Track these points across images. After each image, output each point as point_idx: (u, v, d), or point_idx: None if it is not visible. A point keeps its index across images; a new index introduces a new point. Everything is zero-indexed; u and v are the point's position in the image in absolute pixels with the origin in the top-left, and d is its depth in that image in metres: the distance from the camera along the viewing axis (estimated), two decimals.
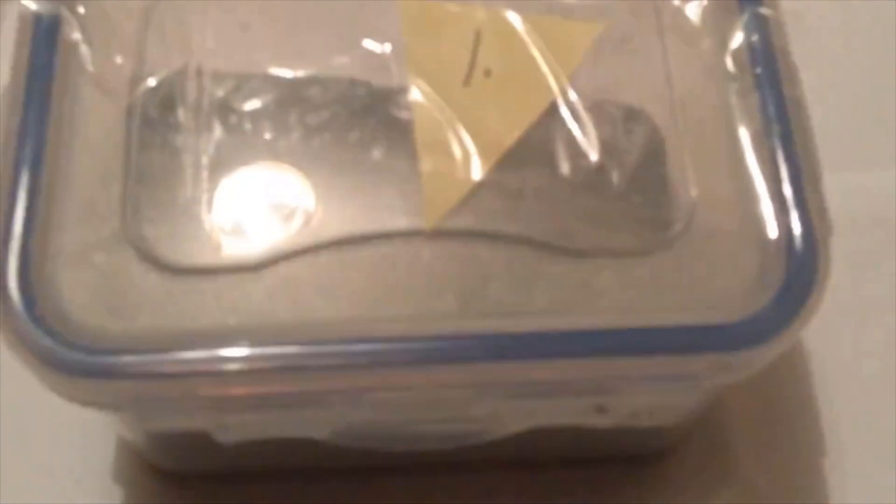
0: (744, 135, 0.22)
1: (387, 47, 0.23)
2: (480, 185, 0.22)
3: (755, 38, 0.23)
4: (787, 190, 0.21)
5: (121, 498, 0.26)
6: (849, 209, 0.29)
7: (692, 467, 0.27)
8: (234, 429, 0.21)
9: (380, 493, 0.26)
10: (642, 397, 0.21)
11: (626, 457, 0.26)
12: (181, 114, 0.23)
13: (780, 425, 0.27)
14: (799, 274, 0.20)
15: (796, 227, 0.21)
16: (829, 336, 0.28)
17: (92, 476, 0.26)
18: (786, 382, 0.28)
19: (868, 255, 0.29)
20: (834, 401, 0.28)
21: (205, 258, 0.21)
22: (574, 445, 0.25)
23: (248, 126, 0.23)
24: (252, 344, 0.20)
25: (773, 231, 0.21)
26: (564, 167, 0.22)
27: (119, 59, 0.23)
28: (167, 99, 0.23)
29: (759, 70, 0.22)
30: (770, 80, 0.22)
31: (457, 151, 0.22)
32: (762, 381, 0.28)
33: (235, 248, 0.22)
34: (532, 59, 0.23)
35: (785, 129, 0.22)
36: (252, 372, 0.20)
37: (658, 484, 0.27)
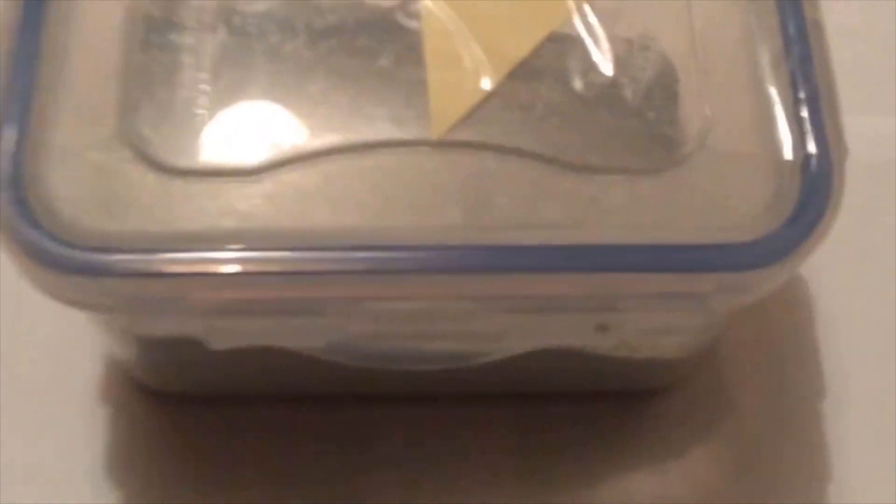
0: (762, 55, 0.21)
1: None
2: (490, 98, 0.21)
3: None
4: (804, 111, 0.21)
5: (107, 418, 0.26)
6: (858, 153, 0.30)
7: (690, 406, 0.26)
8: (228, 333, 0.20)
9: (374, 422, 0.26)
10: (648, 317, 0.20)
11: (625, 393, 0.26)
12: (184, 13, 0.22)
13: (779, 367, 0.27)
14: (813, 196, 0.20)
15: (812, 149, 0.20)
16: (832, 280, 0.28)
17: (78, 396, 0.26)
18: (788, 326, 0.28)
19: (876, 201, 0.29)
20: (836, 346, 0.27)
21: (203, 160, 0.21)
22: (572, 378, 0.25)
23: (252, 28, 0.22)
24: (248, 247, 0.20)
25: (788, 152, 0.21)
26: (577, 83, 0.22)
27: None
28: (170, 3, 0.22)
29: None
30: (791, 1, 0.22)
31: (467, 62, 0.22)
32: (763, 324, 0.28)
33: (236, 152, 0.21)
34: None
35: (804, 50, 0.21)
36: (247, 275, 0.20)
37: (654, 422, 0.26)
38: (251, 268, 0.20)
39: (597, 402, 0.26)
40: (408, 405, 0.26)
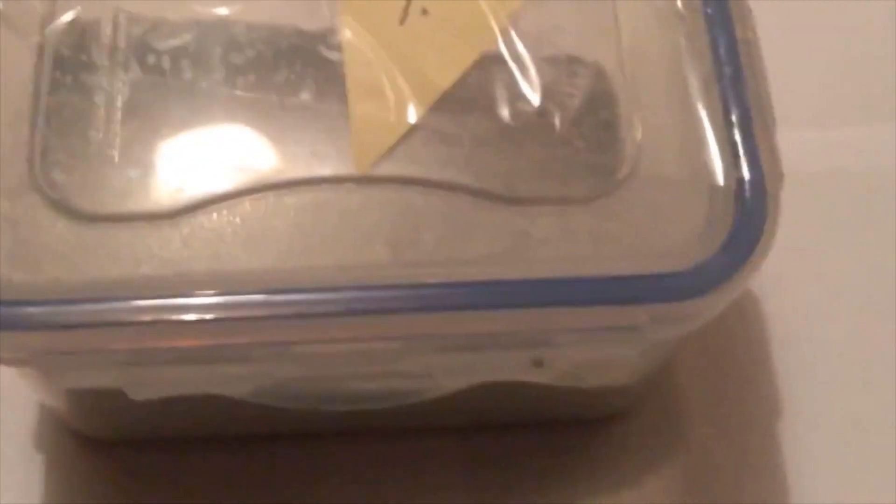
0: (693, 78, 0.21)
1: None
2: (415, 130, 0.21)
3: None
4: (737, 135, 0.20)
5: (43, 465, 0.25)
6: (810, 164, 0.30)
7: (644, 432, 0.26)
8: (149, 385, 0.20)
9: (317, 461, 0.25)
10: (584, 350, 0.20)
11: (577, 421, 0.26)
12: (95, 53, 0.21)
13: (735, 389, 0.27)
14: (747, 223, 0.19)
15: (745, 174, 0.20)
16: (786, 298, 0.27)
17: (13, 443, 0.25)
18: (740, 345, 0.27)
19: (827, 212, 0.28)
20: (790, 365, 0.27)
21: (117, 205, 0.20)
22: (521, 409, 0.24)
23: (166, 66, 0.21)
24: (165, 295, 0.19)
25: (721, 178, 0.20)
26: (504, 111, 0.21)
27: None
28: (81, 37, 0.21)
29: (709, 10, 0.21)
30: (721, 21, 0.21)
31: (390, 94, 0.21)
32: (717, 344, 0.28)
33: (151, 195, 0.20)
34: None
35: (736, 72, 0.21)
36: (165, 323, 0.19)
37: (608, 449, 0.26)
38: (169, 316, 0.19)
39: (548, 432, 0.26)
40: (353, 442, 0.25)
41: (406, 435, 0.25)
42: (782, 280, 0.27)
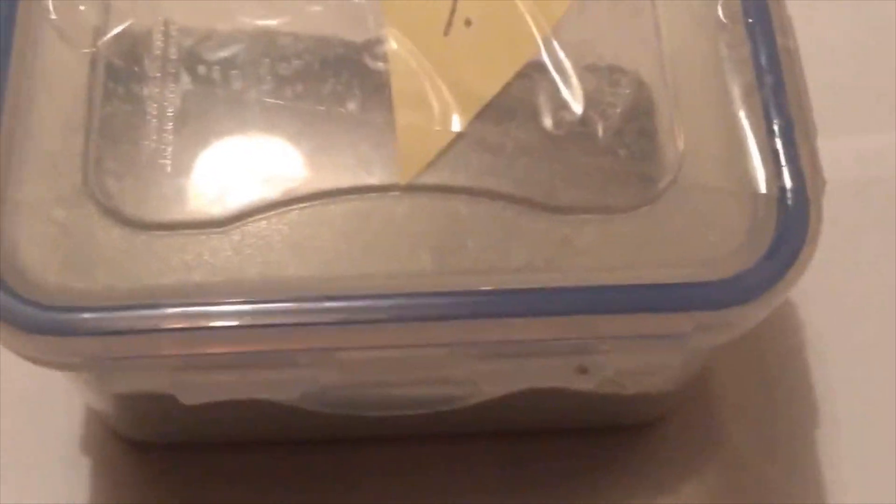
0: (734, 87, 0.21)
1: None
2: (459, 139, 0.21)
3: None
4: (779, 144, 0.20)
5: (89, 469, 0.26)
6: (846, 172, 0.30)
7: (681, 439, 0.26)
8: (199, 390, 0.20)
9: (356, 465, 0.25)
10: (627, 358, 0.20)
11: (613, 427, 0.26)
12: (147, 64, 0.22)
13: (772, 396, 0.27)
14: (789, 231, 0.20)
15: (787, 183, 0.20)
16: (824, 305, 0.27)
17: (60, 447, 0.25)
18: (778, 353, 0.27)
19: (865, 220, 0.28)
20: (828, 372, 0.27)
21: (169, 213, 0.20)
22: (559, 414, 0.24)
23: (216, 76, 0.22)
24: (217, 301, 0.19)
25: (763, 186, 0.20)
26: (547, 121, 0.21)
27: (83, 7, 0.22)
28: (132, 48, 0.22)
29: (750, 19, 0.21)
30: (762, 29, 0.21)
31: (435, 104, 0.21)
32: (754, 351, 0.28)
33: (202, 204, 0.21)
34: (515, 9, 0.22)
35: (777, 80, 0.21)
36: (217, 330, 0.19)
37: (645, 456, 0.26)
38: (220, 322, 0.19)
39: (586, 437, 0.26)
40: (391, 446, 0.26)
41: (443, 439, 0.26)
42: (820, 287, 0.27)
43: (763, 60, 0.21)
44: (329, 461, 0.25)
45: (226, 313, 0.19)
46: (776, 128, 0.20)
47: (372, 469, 0.25)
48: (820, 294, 0.27)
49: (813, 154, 0.20)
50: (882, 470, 0.26)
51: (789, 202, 0.20)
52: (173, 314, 0.19)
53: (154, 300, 0.19)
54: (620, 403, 0.24)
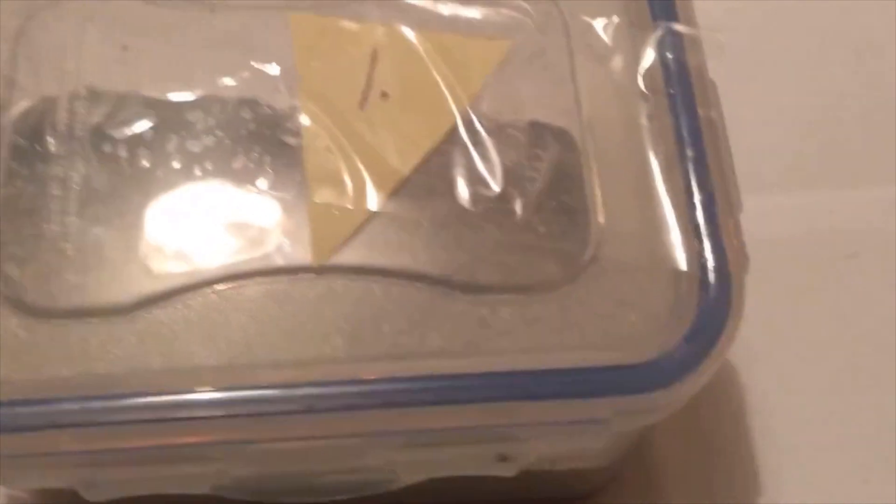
0: (656, 160, 0.21)
1: (276, 68, 0.22)
2: (374, 217, 0.20)
3: (669, 56, 0.21)
4: (700, 219, 0.20)
5: None
6: (786, 229, 0.29)
7: None
8: (104, 486, 0.19)
9: None
10: (548, 444, 0.19)
11: (550, 500, 0.25)
12: (51, 141, 0.21)
13: (715, 463, 0.26)
14: (711, 310, 0.19)
15: (709, 260, 0.19)
16: (763, 367, 0.27)
17: None
18: (719, 417, 0.27)
19: (805, 277, 0.28)
20: (769, 434, 0.26)
21: (71, 300, 0.20)
22: (496, 491, 0.24)
23: (123, 154, 0.21)
24: (120, 394, 0.19)
25: (684, 263, 0.20)
26: (465, 197, 0.21)
27: None
28: (37, 125, 0.21)
29: (672, 90, 0.21)
30: (684, 100, 0.21)
31: (349, 181, 0.21)
32: (694, 415, 0.27)
33: (106, 290, 0.20)
34: (432, 81, 0.21)
35: (698, 152, 0.20)
36: (119, 424, 0.18)
37: None
38: (122, 416, 0.18)
39: None
40: None
41: None
42: (760, 349, 0.27)
43: (684, 132, 0.21)
44: None
45: (129, 407, 0.19)
46: (697, 202, 0.20)
47: None
48: (760, 356, 0.27)
49: (736, 229, 0.20)
50: None
51: (711, 280, 0.19)
52: (73, 409, 0.18)
53: (53, 394, 0.18)
54: (555, 480, 0.24)
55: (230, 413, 0.19)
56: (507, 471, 0.19)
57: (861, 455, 0.26)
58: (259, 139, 0.21)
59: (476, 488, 0.23)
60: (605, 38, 0.22)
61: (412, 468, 0.20)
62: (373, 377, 0.19)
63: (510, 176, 0.21)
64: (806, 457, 0.26)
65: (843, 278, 0.28)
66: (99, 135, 0.21)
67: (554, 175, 0.21)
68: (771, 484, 0.26)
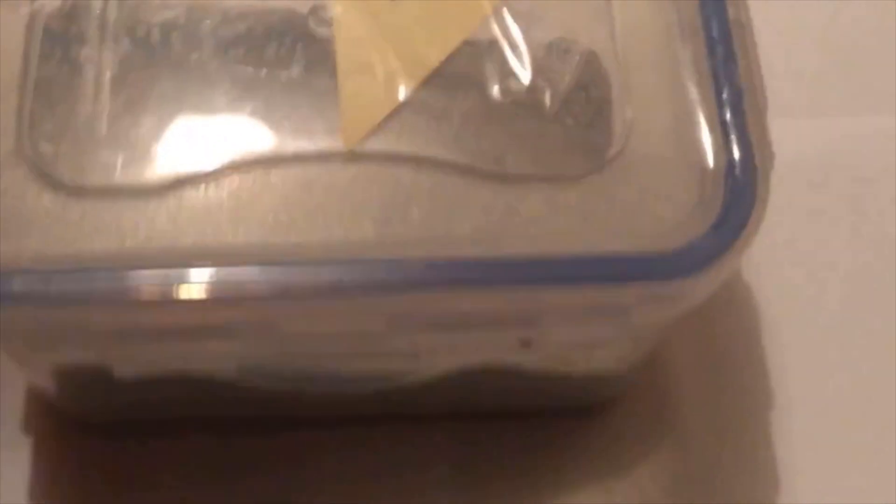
0: (685, 57, 0.21)
1: None
2: (404, 106, 0.21)
3: None
4: (728, 115, 0.20)
5: (30, 448, 0.25)
6: (804, 152, 0.29)
7: (633, 421, 0.26)
8: (133, 361, 0.20)
9: (304, 445, 0.25)
10: (572, 331, 0.20)
11: (564, 410, 0.25)
12: (85, 25, 0.21)
13: (725, 377, 0.26)
14: (737, 202, 0.19)
15: (735, 154, 0.20)
16: (777, 286, 0.27)
17: (1, 426, 0.25)
18: (732, 334, 0.27)
19: (821, 200, 0.28)
20: (782, 352, 0.26)
21: (105, 178, 0.20)
22: (510, 396, 0.24)
23: (156, 39, 0.21)
24: (151, 268, 0.19)
25: (711, 157, 0.20)
26: (494, 89, 0.21)
27: None
28: (71, 9, 0.21)
29: None
30: (714, 1, 0.21)
31: (380, 70, 0.21)
32: (708, 332, 0.27)
33: (138, 169, 0.20)
34: None
35: (728, 51, 0.20)
36: (151, 298, 0.19)
37: (597, 438, 0.25)
38: (155, 291, 0.19)
39: (537, 420, 0.26)
40: (341, 427, 0.25)
41: (394, 421, 0.25)
42: (774, 268, 0.27)
43: (714, 32, 0.21)
44: (277, 441, 0.25)
45: (160, 282, 0.19)
46: (725, 99, 0.20)
47: (319, 449, 0.25)
48: (774, 275, 0.27)
49: (762, 126, 0.20)
50: (835, 451, 0.25)
51: (737, 174, 0.20)
52: (105, 282, 0.19)
53: (85, 267, 0.19)
54: (571, 385, 0.24)
55: (258, 290, 0.19)
56: (529, 358, 0.20)
57: (870, 375, 0.26)
58: (291, 28, 0.21)
59: (490, 395, 0.23)
60: None
61: (436, 353, 0.20)
62: (401, 258, 0.19)
63: (539, 70, 0.21)
64: (817, 373, 0.26)
65: (858, 203, 0.28)
66: (132, 20, 0.21)
67: (583, 70, 0.21)
68: (780, 397, 0.26)
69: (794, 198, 0.28)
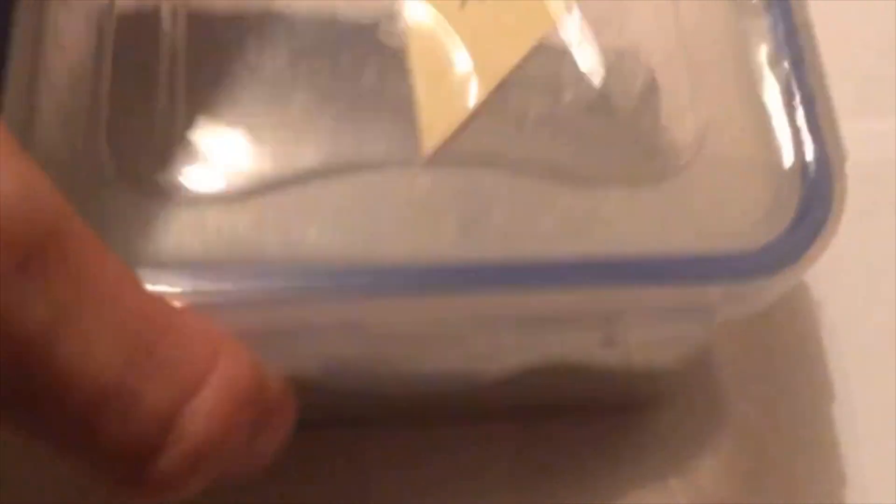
0: (753, 59, 0.21)
1: None
2: (480, 111, 0.21)
3: None
4: (801, 116, 0.20)
5: None
6: (862, 155, 0.30)
7: (690, 418, 0.26)
8: None
9: (369, 446, 0.25)
10: (653, 330, 0.20)
11: (621, 407, 0.26)
12: (157, 34, 0.21)
13: (783, 374, 0.26)
14: (814, 202, 0.20)
15: (810, 154, 0.20)
16: (835, 284, 0.27)
17: None
18: (788, 333, 0.27)
19: (880, 203, 0.28)
20: (840, 350, 0.27)
21: (184, 185, 0.20)
22: (570, 391, 0.24)
23: (230, 48, 0.21)
24: (234, 274, 0.19)
25: (786, 157, 0.20)
26: (567, 93, 0.21)
27: None
28: (142, 18, 0.21)
29: None
30: (780, 4, 0.21)
31: (454, 76, 0.21)
32: (762, 334, 0.28)
33: (220, 176, 0.20)
34: None
35: (796, 53, 0.21)
36: (234, 303, 0.19)
37: (654, 435, 0.26)
38: (238, 297, 0.19)
39: (595, 416, 0.26)
40: (402, 428, 0.25)
41: (451, 421, 0.25)
42: (832, 266, 0.27)
43: (782, 34, 0.21)
44: (345, 443, 0.25)
45: (244, 287, 0.19)
46: (797, 101, 0.20)
47: (382, 450, 0.25)
48: (833, 273, 0.27)
49: (834, 127, 0.20)
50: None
51: (812, 174, 0.20)
52: (188, 288, 0.19)
53: (167, 273, 0.19)
54: (625, 381, 0.24)
55: (342, 294, 0.19)
56: (610, 355, 0.20)
57: None
58: (364, 36, 0.21)
59: (553, 389, 0.23)
60: None
61: (518, 353, 0.20)
62: (483, 260, 0.19)
63: (611, 73, 0.21)
64: (875, 371, 0.26)
65: None
66: (206, 28, 0.21)
67: (654, 74, 0.21)
68: (840, 393, 0.26)
69: (851, 198, 0.28)
